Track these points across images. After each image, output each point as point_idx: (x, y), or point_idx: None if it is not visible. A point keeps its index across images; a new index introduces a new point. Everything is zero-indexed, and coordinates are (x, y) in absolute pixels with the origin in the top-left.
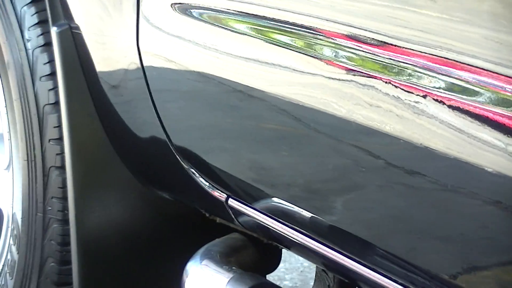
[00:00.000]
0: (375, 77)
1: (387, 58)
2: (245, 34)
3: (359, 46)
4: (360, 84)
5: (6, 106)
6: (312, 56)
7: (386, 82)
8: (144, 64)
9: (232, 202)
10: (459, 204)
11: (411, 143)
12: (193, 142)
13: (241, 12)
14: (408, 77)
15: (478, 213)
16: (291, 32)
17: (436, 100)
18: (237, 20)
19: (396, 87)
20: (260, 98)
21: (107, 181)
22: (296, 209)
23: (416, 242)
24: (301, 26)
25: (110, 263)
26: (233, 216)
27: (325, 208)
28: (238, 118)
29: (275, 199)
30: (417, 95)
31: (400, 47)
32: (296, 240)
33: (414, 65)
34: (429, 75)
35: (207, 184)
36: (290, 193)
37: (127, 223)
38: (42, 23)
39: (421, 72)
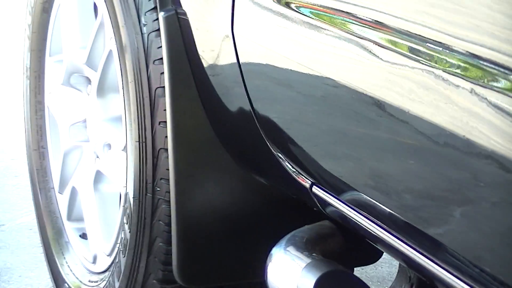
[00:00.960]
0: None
1: None
2: (338, 28)
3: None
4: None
5: (123, 88)
6: (409, 57)
7: None
8: (238, 51)
9: (316, 189)
10: None
11: None
12: (282, 127)
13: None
14: None
15: None
16: (388, 31)
17: None
18: (330, 15)
19: None
20: (350, 91)
21: (208, 164)
22: (379, 205)
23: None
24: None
25: (208, 245)
26: (318, 204)
27: (410, 208)
28: (328, 109)
29: (359, 192)
30: None
31: None
32: (378, 235)
33: None
34: None
35: (293, 169)
36: (375, 189)
37: (226, 206)
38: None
39: None
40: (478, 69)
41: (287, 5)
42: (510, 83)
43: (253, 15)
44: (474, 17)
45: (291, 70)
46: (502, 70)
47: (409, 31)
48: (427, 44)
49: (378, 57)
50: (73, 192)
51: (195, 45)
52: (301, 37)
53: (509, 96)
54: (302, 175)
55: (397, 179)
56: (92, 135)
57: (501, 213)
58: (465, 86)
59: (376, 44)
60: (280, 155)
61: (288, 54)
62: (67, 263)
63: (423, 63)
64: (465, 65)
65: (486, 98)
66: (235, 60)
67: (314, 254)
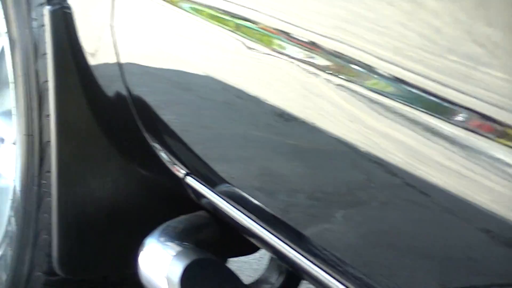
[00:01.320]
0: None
1: None
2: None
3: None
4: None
5: (14, 82)
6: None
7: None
8: (117, 44)
9: (190, 179)
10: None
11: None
12: (158, 118)
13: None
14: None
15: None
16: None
17: None
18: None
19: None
20: (223, 85)
21: (90, 156)
22: (249, 197)
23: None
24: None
25: (88, 236)
26: (192, 194)
27: (278, 202)
28: (201, 102)
29: (229, 184)
30: None
31: None
32: (248, 227)
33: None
34: None
35: (168, 159)
36: (245, 181)
37: (107, 198)
38: None
39: None
40: (347, 68)
41: None
42: (376, 82)
43: (131, 9)
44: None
45: (167, 63)
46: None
47: (280, 29)
48: (294, 41)
49: (247, 51)
50: None
51: (79, 39)
52: (177, 31)
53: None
54: (177, 165)
55: (266, 173)
56: None
57: (359, 212)
58: (333, 84)
59: (245, 39)
60: (156, 145)
61: (164, 47)
62: None
63: (292, 59)
64: (333, 63)
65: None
66: (114, 53)
67: (185, 243)
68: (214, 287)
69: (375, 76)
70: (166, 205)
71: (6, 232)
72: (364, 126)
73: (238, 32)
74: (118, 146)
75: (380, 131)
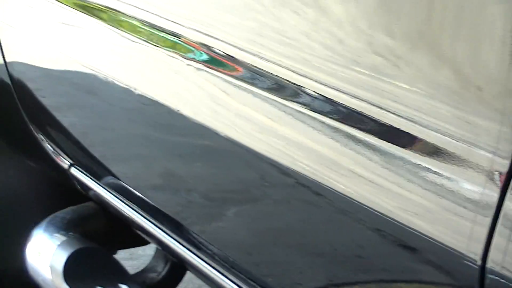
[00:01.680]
0: None
1: None
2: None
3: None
4: None
5: None
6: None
7: None
8: (1, 38)
9: (74, 171)
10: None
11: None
12: (40, 107)
13: None
14: None
15: None
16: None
17: None
18: None
19: None
20: (101, 77)
21: None
22: (134, 190)
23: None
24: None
25: None
26: (78, 186)
27: (163, 196)
28: (84, 94)
29: (114, 176)
30: None
31: None
32: (132, 219)
33: None
34: None
35: (52, 150)
36: (129, 174)
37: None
38: None
39: None
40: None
41: None
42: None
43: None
44: None
45: (48, 56)
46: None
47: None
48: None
49: (122, 43)
50: None
51: None
52: (54, 23)
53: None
54: (61, 156)
55: (149, 166)
56: None
57: (241, 207)
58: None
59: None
60: (41, 136)
61: (44, 39)
62: None
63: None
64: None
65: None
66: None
67: (71, 233)
68: (97, 275)
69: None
70: (57, 196)
71: None
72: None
73: (111, 23)
74: (7, 139)
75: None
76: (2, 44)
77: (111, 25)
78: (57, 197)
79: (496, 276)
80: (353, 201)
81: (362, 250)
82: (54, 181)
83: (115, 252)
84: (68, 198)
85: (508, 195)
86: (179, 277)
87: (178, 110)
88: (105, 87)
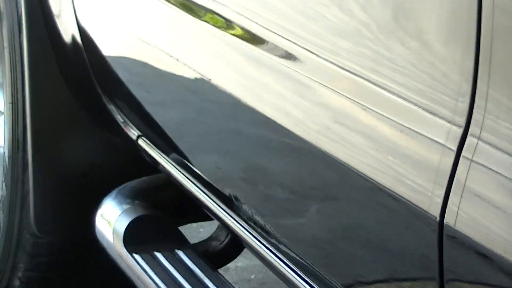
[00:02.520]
0: None
1: None
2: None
3: None
4: None
5: (1, 54)
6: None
7: None
8: (77, 13)
9: (141, 142)
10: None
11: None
12: (111, 78)
13: None
14: None
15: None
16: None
17: None
18: None
19: None
20: (172, 58)
21: (63, 121)
22: (197, 168)
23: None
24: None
25: (61, 198)
26: (146, 157)
27: (226, 177)
28: (154, 72)
29: (179, 151)
30: None
31: None
32: (194, 194)
33: None
34: None
35: (122, 120)
36: (192, 149)
37: (80, 161)
38: None
39: None
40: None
41: None
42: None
43: None
44: None
45: (121, 31)
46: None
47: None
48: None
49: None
50: None
51: (51, 10)
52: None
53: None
54: (130, 127)
55: (214, 145)
56: None
57: (305, 196)
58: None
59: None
60: (112, 107)
61: (120, 17)
62: None
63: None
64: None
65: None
66: (75, 21)
67: (137, 201)
68: (157, 242)
69: None
70: (132, 167)
71: (0, 197)
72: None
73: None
74: (85, 110)
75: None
76: (79, 17)
77: (193, 16)
78: (133, 168)
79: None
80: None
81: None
82: (130, 152)
83: (181, 224)
84: (143, 169)
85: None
86: (241, 247)
87: (262, 111)
88: (179, 65)
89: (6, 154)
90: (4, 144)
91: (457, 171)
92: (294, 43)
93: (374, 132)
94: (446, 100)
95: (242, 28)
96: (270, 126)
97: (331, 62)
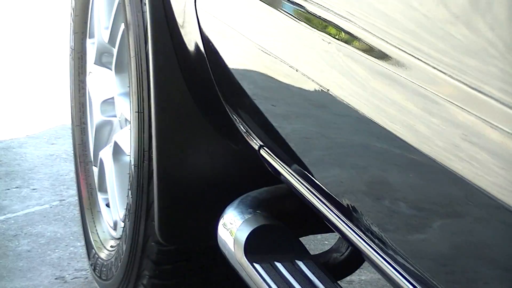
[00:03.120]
0: None
1: None
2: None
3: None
4: None
5: (128, 63)
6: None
7: None
8: (200, 23)
9: (263, 152)
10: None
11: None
12: (234, 89)
13: None
14: None
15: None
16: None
17: None
18: None
19: None
20: (295, 73)
21: (187, 129)
22: (318, 180)
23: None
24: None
25: (186, 206)
26: (268, 167)
27: (346, 190)
28: (273, 83)
29: (300, 163)
30: None
31: None
32: (316, 206)
33: None
34: None
35: (245, 130)
36: (314, 164)
37: (204, 170)
38: None
39: None
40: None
41: None
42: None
43: None
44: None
45: (245, 46)
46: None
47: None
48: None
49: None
50: (101, 164)
51: (174, 16)
52: (256, 14)
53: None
54: (252, 137)
55: (335, 159)
56: (117, 110)
57: (428, 213)
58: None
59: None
60: (235, 117)
61: (241, 30)
62: (96, 231)
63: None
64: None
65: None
66: (198, 32)
67: (258, 211)
68: (278, 252)
69: None
70: (254, 177)
71: (126, 205)
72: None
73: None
74: (209, 120)
75: None
76: (200, 22)
77: (317, 29)
78: (255, 177)
79: None
80: None
81: None
82: (252, 162)
83: (302, 235)
84: (265, 179)
85: None
86: (361, 259)
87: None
88: (302, 82)
89: (132, 163)
90: (130, 153)
91: None
92: (421, 60)
93: (498, 148)
94: None
95: (368, 44)
96: (394, 141)
97: (459, 81)
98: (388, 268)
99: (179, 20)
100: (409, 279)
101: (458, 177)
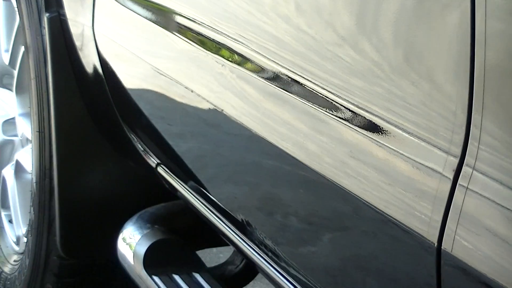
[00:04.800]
0: None
1: None
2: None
3: None
4: None
5: (29, 84)
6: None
7: None
8: (98, 45)
9: (161, 170)
10: None
11: None
12: (131, 108)
13: None
14: None
15: None
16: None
17: None
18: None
19: None
20: (184, 89)
21: (86, 150)
22: (214, 195)
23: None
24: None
25: (85, 222)
26: (165, 184)
27: (238, 205)
28: (167, 102)
29: (195, 178)
30: None
31: None
32: (210, 220)
33: None
34: None
35: (142, 149)
36: (210, 179)
37: (101, 188)
38: None
39: None
40: None
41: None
42: None
43: (106, 13)
44: None
45: (138, 64)
46: None
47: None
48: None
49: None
50: (4, 182)
51: (73, 43)
52: (146, 35)
53: None
54: (149, 155)
55: (226, 174)
56: (18, 129)
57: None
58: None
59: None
60: (132, 136)
61: (137, 51)
62: (0, 247)
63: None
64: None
65: None
66: (96, 54)
67: (156, 226)
68: (176, 265)
69: None
70: (152, 193)
71: (29, 221)
72: None
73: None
74: (107, 139)
75: None
76: (98, 44)
77: (209, 50)
78: (152, 194)
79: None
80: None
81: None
82: (149, 179)
83: (198, 249)
84: (162, 195)
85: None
86: (255, 271)
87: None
88: (196, 101)
89: (34, 180)
90: (32, 171)
91: (453, 199)
92: (307, 79)
93: (381, 164)
94: (443, 132)
95: (259, 65)
96: (284, 158)
97: (343, 98)
98: (280, 279)
99: (78, 43)
100: None
101: (346, 192)
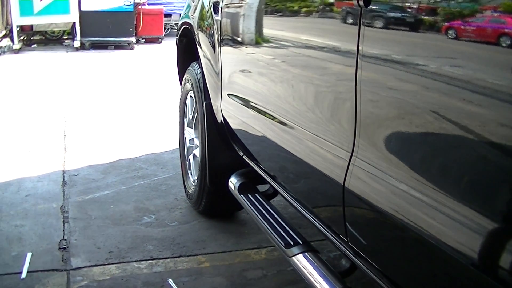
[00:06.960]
0: None
1: None
2: None
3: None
4: None
5: (200, 128)
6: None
7: None
8: (224, 115)
9: (245, 157)
10: None
11: None
12: (236, 141)
13: None
14: None
15: None
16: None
17: None
18: None
19: None
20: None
21: (223, 151)
22: (262, 167)
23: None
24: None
25: (218, 175)
26: (245, 162)
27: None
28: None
29: (258, 163)
30: None
31: None
32: (261, 175)
33: None
34: None
35: (237, 148)
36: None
37: (226, 164)
38: None
39: None
40: None
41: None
42: None
43: (225, 101)
44: None
45: (240, 126)
46: None
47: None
48: None
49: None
50: (189, 162)
51: (214, 114)
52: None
53: None
54: (242, 154)
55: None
56: (194, 140)
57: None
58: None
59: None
60: (236, 149)
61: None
62: (188, 182)
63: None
64: None
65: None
66: (223, 119)
67: (242, 176)
68: (250, 192)
69: None
70: (241, 165)
71: (197, 175)
72: None
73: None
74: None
75: None
76: (223, 113)
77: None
78: (241, 166)
79: (352, 193)
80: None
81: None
82: (240, 161)
83: (257, 185)
84: (244, 166)
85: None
86: (276, 193)
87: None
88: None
89: (199, 160)
90: (199, 157)
91: (349, 165)
92: None
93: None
94: (344, 137)
95: None
96: None
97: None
98: (291, 201)
99: (215, 114)
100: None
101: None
